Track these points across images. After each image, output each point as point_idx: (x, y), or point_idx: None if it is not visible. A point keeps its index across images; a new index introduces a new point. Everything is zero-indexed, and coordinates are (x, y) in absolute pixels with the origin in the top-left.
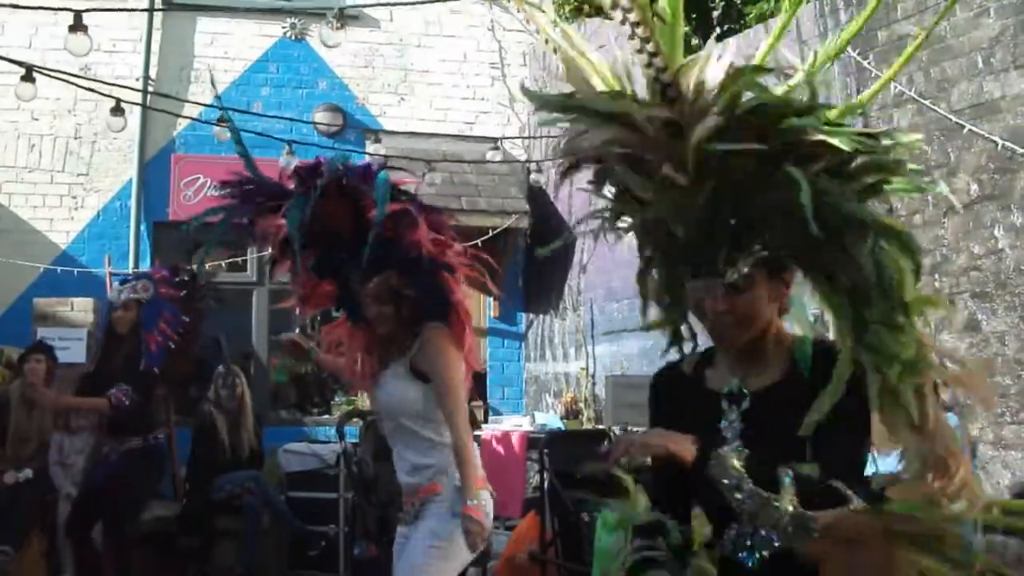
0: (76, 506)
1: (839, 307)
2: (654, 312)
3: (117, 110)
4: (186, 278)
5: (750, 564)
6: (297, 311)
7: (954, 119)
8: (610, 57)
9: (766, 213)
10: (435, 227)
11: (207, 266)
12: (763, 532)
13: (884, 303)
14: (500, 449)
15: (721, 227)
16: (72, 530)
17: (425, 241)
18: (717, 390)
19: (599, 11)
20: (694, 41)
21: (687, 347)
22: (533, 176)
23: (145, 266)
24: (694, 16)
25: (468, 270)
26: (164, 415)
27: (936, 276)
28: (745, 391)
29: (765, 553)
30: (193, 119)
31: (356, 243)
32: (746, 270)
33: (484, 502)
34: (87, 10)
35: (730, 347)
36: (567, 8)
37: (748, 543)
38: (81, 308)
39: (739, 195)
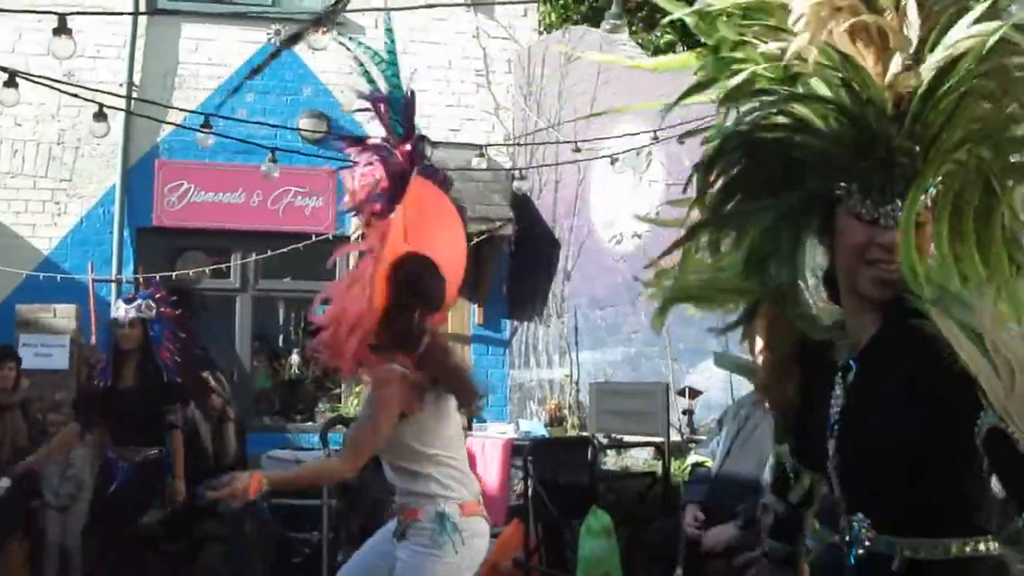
0: (96, 515)
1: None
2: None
3: (100, 115)
4: (177, 297)
5: (850, 560)
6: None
7: None
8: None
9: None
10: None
11: (191, 272)
12: (856, 527)
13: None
14: (484, 456)
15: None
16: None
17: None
18: (836, 362)
19: (586, 18)
20: (679, 49)
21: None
22: (516, 183)
23: (128, 272)
24: (679, 25)
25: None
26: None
27: None
28: (852, 362)
29: (860, 551)
30: (177, 125)
31: None
32: (929, 203)
33: (474, 529)
34: (71, 13)
35: (880, 298)
36: (553, 15)
37: (847, 537)
38: (64, 315)
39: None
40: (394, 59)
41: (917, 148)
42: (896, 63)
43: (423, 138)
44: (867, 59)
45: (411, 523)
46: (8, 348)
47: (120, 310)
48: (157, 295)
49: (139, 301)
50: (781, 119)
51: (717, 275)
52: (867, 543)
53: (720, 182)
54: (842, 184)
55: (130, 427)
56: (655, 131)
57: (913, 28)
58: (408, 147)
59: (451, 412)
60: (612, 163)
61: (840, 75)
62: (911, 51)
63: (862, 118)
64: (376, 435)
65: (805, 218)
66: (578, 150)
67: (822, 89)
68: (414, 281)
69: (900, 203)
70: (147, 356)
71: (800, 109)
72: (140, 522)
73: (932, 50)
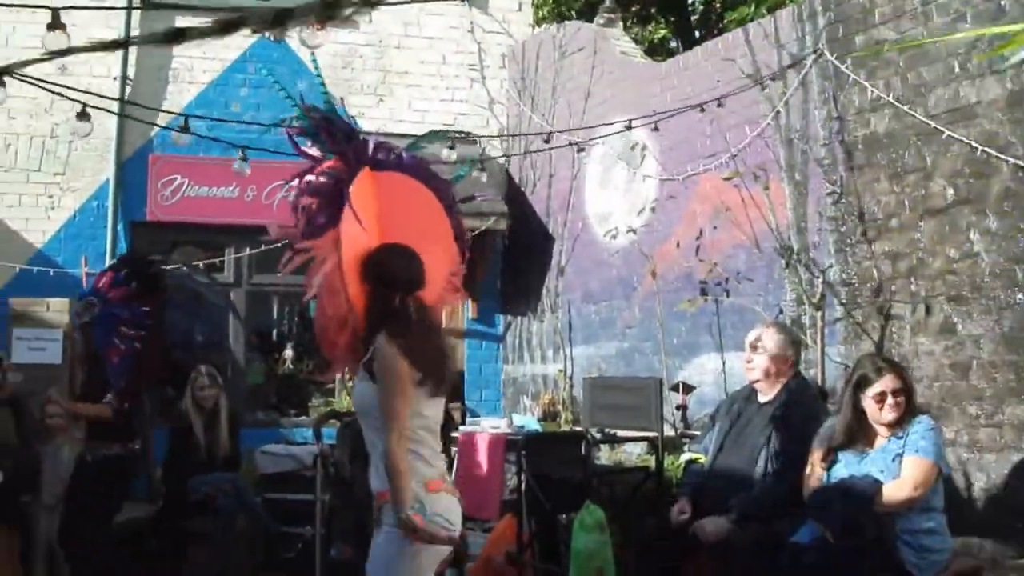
0: (67, 514)
1: None
2: None
3: (83, 115)
4: (133, 268)
5: None
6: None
7: (932, 124)
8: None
9: None
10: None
11: (184, 267)
12: None
13: None
14: (477, 451)
15: None
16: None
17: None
18: None
19: (580, 14)
20: (672, 44)
21: None
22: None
23: None
24: (672, 20)
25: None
26: (146, 422)
27: (912, 279)
28: None
29: None
30: (162, 127)
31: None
32: None
33: (443, 506)
34: (65, 7)
35: None
36: (545, 10)
37: None
38: (57, 308)
39: None
40: (321, 81)
41: None
42: None
43: (367, 142)
44: None
45: (383, 505)
46: None
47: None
48: (100, 283)
49: (77, 306)
50: None
51: None
52: None
53: None
54: None
55: (97, 428)
56: (630, 120)
57: None
58: (346, 155)
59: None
60: (579, 152)
61: None
62: None
63: None
64: (404, 398)
65: None
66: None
67: None
68: (378, 266)
69: None
70: (99, 361)
71: None
72: (114, 519)
73: None
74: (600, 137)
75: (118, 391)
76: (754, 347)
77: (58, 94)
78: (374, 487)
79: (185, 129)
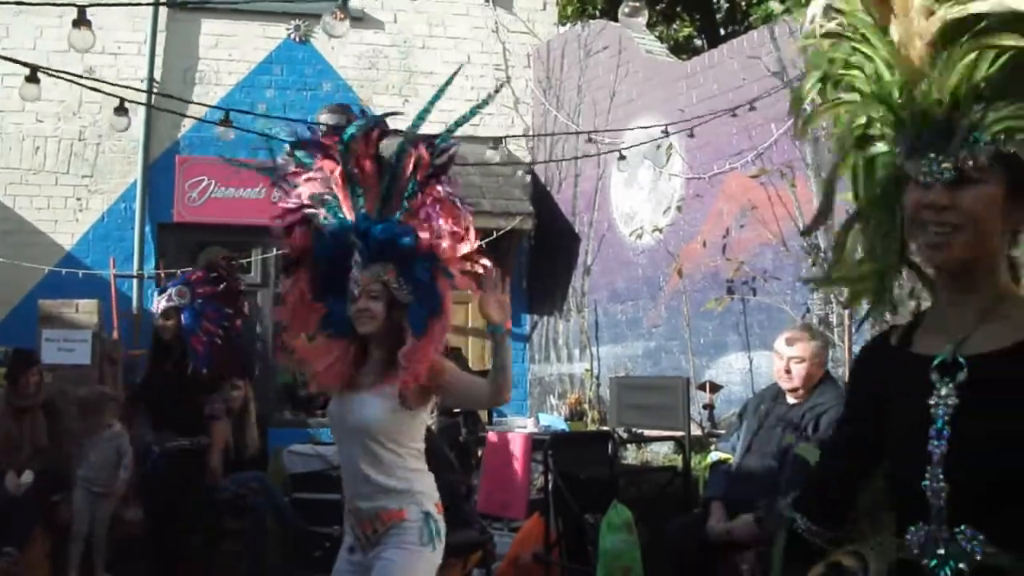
0: (148, 510)
1: None
2: (846, 268)
3: (121, 109)
4: (220, 272)
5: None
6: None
7: None
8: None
9: None
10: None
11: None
12: (963, 541)
13: None
14: (504, 450)
15: (964, 105)
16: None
17: (443, 234)
18: (927, 355)
19: (604, 13)
20: (697, 42)
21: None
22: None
23: (149, 267)
24: (697, 17)
25: (467, 276)
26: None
27: None
28: (961, 359)
29: (963, 566)
30: (198, 119)
31: (363, 228)
32: (984, 159)
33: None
34: (90, 4)
35: (944, 265)
36: (570, 9)
37: (940, 551)
38: (86, 310)
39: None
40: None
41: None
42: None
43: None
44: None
45: (394, 524)
46: (32, 354)
47: (156, 302)
48: (192, 276)
49: (171, 290)
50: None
51: (870, 265)
52: (979, 557)
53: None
54: (897, 148)
55: (167, 417)
56: (666, 125)
57: None
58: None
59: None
60: (620, 159)
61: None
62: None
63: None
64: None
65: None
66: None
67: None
68: None
69: (941, 156)
70: (183, 347)
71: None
72: (178, 513)
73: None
74: (639, 144)
75: (200, 377)
76: (793, 359)
77: (95, 89)
78: (374, 506)
79: (227, 123)
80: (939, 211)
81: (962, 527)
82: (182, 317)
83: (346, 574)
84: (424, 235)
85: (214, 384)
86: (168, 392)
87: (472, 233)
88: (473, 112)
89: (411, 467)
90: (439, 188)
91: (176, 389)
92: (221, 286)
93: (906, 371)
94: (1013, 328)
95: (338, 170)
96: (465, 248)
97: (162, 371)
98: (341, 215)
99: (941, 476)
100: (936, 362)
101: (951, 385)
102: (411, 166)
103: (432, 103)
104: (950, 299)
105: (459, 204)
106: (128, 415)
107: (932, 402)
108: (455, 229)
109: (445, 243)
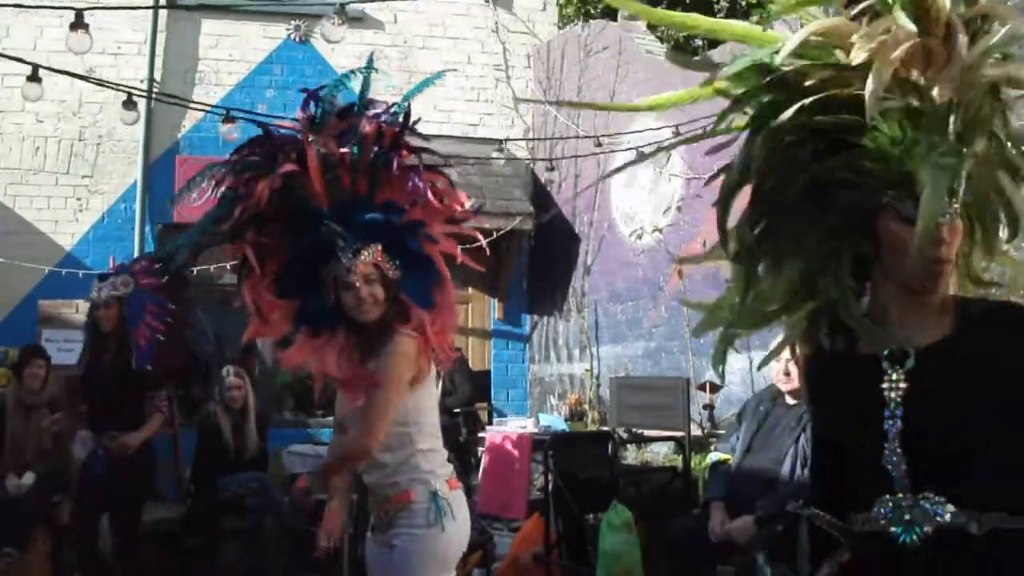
0: (78, 502)
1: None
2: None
3: (129, 103)
4: (164, 265)
5: (906, 541)
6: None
7: None
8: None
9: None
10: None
11: (211, 267)
12: (927, 504)
13: None
14: (504, 451)
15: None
16: (77, 526)
17: (422, 193)
18: (874, 354)
19: (605, 13)
20: (697, 43)
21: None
22: (547, 175)
23: None
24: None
25: (451, 244)
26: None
27: None
28: (909, 349)
29: (928, 529)
30: (200, 117)
31: (340, 214)
32: (956, 205)
33: (459, 502)
34: (90, 8)
35: (929, 292)
36: (570, 8)
37: (907, 516)
38: (86, 311)
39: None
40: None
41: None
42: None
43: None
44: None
45: (403, 507)
46: (37, 347)
47: (95, 289)
48: (137, 266)
49: (113, 278)
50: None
51: (757, 304)
52: (941, 518)
53: (747, 214)
54: (890, 192)
55: (109, 413)
56: (676, 126)
57: (963, 49)
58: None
59: (432, 379)
60: (639, 157)
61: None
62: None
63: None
64: (397, 399)
65: (845, 231)
66: (599, 144)
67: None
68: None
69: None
70: (125, 339)
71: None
72: (141, 515)
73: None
74: (653, 145)
75: (144, 372)
76: (792, 360)
77: (99, 82)
78: (383, 485)
79: (229, 119)
80: (945, 247)
81: (926, 493)
82: (124, 308)
83: (372, 552)
84: (404, 203)
85: (157, 381)
86: (107, 386)
87: (459, 194)
88: (427, 83)
89: (419, 445)
90: (409, 153)
91: (116, 383)
92: (165, 279)
93: (855, 367)
94: (950, 323)
95: (311, 153)
96: (448, 202)
97: (100, 364)
98: (312, 206)
99: (899, 449)
100: (887, 352)
101: (901, 371)
102: (374, 135)
103: (414, 92)
104: (902, 305)
105: (437, 166)
106: (70, 410)
107: (885, 387)
108: (437, 187)
109: (429, 202)
